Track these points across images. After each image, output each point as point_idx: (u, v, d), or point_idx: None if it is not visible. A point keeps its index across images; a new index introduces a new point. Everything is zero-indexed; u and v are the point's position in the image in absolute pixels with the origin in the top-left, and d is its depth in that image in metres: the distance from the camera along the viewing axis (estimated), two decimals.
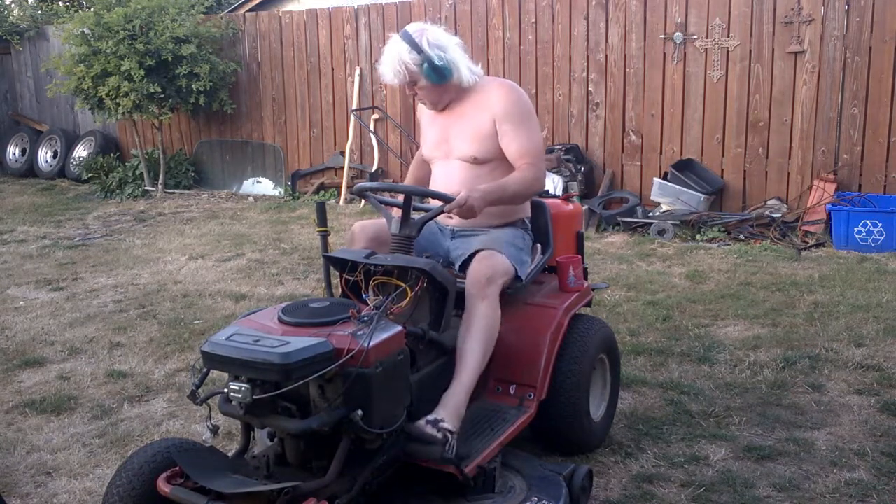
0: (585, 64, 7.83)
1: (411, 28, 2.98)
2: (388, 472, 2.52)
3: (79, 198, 9.85)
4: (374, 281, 2.71)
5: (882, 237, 6.22)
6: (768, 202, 7.13)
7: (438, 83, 2.98)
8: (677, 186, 7.15)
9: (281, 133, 9.69)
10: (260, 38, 9.63)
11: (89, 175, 10.27)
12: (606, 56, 7.72)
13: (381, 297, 2.60)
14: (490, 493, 2.62)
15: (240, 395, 2.24)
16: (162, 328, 4.95)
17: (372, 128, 8.90)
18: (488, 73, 8.24)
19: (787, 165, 7.14)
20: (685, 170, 7.28)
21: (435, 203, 2.95)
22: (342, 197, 8.85)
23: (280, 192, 9.59)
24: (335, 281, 3.04)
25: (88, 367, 4.38)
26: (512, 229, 3.13)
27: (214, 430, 2.50)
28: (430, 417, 2.59)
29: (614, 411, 3.47)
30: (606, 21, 7.67)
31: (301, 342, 2.25)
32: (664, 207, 7.27)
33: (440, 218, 3.00)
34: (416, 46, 2.91)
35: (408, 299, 2.63)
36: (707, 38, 7.25)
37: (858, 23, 6.72)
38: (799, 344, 4.38)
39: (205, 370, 2.43)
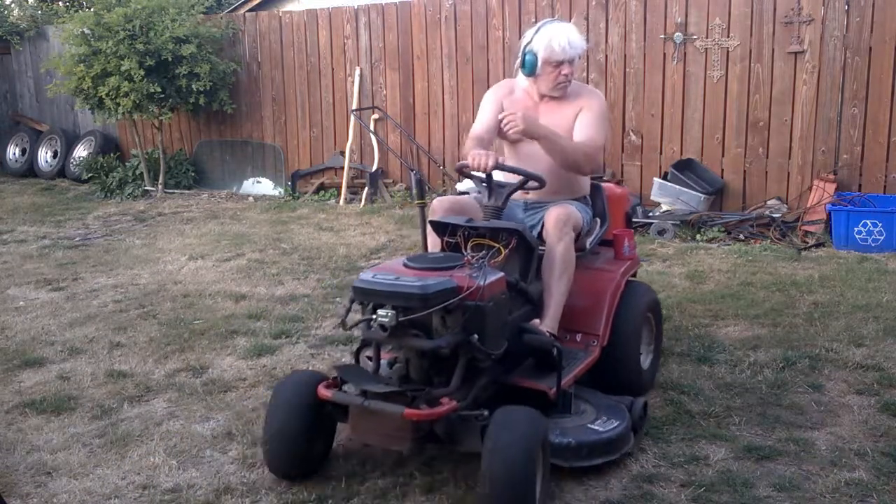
0: (585, 64, 7.83)
1: (569, 25, 3.69)
2: (491, 391, 3.13)
3: (79, 198, 9.85)
4: (471, 242, 3.27)
5: (882, 237, 6.22)
6: (768, 202, 7.14)
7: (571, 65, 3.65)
8: (677, 186, 7.16)
9: (281, 133, 9.70)
10: (260, 38, 9.63)
11: (89, 175, 10.27)
12: (606, 56, 7.72)
13: (480, 254, 3.14)
14: (567, 413, 3.27)
15: (387, 320, 2.80)
16: (162, 328, 4.95)
17: (372, 128, 8.90)
18: (488, 72, 8.31)
19: (787, 165, 7.14)
20: (685, 170, 7.28)
21: (514, 178, 3.47)
22: (342, 197, 8.85)
23: (280, 192, 9.60)
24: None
25: (88, 367, 4.38)
26: (576, 202, 3.72)
27: (356, 356, 3.18)
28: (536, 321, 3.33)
29: (658, 362, 4.01)
30: (606, 21, 7.67)
31: (433, 280, 2.86)
32: (664, 207, 7.27)
33: (517, 193, 3.53)
34: (571, 36, 3.60)
35: (502, 255, 3.21)
36: (707, 38, 7.25)
37: (858, 23, 6.72)
38: (799, 344, 4.39)
39: (352, 302, 3.01)
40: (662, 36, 7.43)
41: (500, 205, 3.40)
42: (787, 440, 3.35)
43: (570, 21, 7.75)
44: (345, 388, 3.00)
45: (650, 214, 7.22)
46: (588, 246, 3.70)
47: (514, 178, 3.49)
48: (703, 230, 6.93)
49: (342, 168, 9.07)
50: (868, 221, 6.26)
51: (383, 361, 3.18)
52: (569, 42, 3.57)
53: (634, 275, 4.03)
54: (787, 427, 3.47)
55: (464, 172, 3.47)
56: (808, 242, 6.53)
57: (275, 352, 4.52)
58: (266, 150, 9.83)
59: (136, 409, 3.84)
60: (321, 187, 9.30)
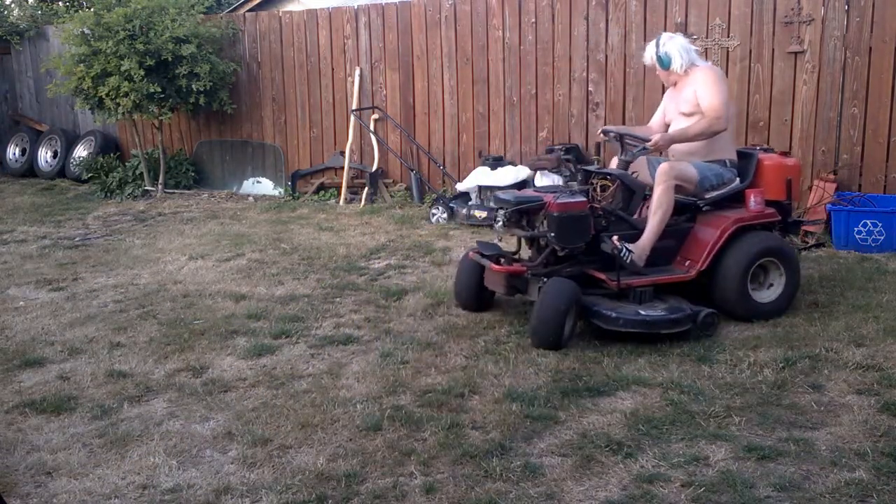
0: (585, 64, 7.83)
1: (664, 35, 5.13)
2: (576, 273, 4.63)
3: (79, 198, 9.85)
4: (599, 182, 4.87)
5: (882, 237, 6.21)
6: None
7: (662, 68, 5.09)
8: None
9: (281, 133, 9.70)
10: (260, 38, 9.63)
11: (89, 175, 10.27)
12: (606, 56, 7.72)
13: (575, 187, 4.88)
14: (638, 303, 4.47)
15: (501, 214, 4.61)
16: (162, 328, 4.95)
17: (372, 128, 8.90)
18: (488, 73, 8.31)
19: None
20: None
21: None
22: (342, 197, 8.85)
23: (280, 192, 9.59)
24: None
25: (88, 367, 4.38)
26: (710, 163, 4.90)
27: (500, 239, 5.31)
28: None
29: (788, 302, 4.86)
30: (606, 21, 7.67)
31: (527, 195, 4.74)
32: None
33: (661, 154, 5.14)
34: (657, 46, 5.05)
35: (609, 192, 4.78)
36: (707, 38, 7.25)
37: (858, 23, 6.72)
38: (799, 344, 4.39)
39: (496, 208, 4.69)
40: None
41: (630, 160, 4.85)
42: (787, 440, 3.35)
43: (569, 21, 7.84)
44: (483, 255, 4.85)
45: None
46: (708, 197, 4.83)
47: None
48: None
49: (342, 168, 9.06)
50: (868, 221, 6.26)
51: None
52: (649, 53, 5.10)
53: (784, 228, 5.06)
54: (787, 427, 3.47)
55: (609, 136, 5.11)
56: (808, 242, 6.51)
57: (275, 352, 4.53)
58: (266, 150, 9.83)
59: (136, 409, 3.84)
60: (321, 187, 9.29)
